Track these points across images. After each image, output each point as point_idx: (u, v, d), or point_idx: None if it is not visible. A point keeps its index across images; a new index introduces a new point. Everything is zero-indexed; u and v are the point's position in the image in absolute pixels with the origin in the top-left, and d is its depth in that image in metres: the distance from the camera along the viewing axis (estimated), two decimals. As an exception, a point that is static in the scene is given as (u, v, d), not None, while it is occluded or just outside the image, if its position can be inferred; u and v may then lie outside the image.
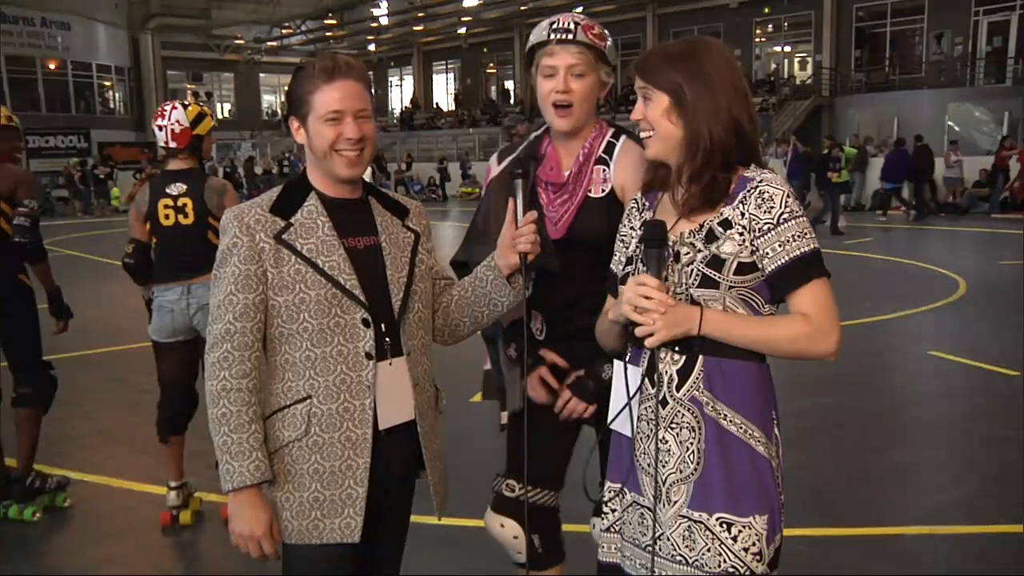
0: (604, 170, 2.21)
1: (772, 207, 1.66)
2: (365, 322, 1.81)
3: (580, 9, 28.49)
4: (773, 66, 27.84)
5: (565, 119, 2.15)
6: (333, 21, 35.41)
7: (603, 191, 2.20)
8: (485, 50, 34.04)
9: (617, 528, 1.85)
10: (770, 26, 27.68)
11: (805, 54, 27.18)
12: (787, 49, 28.01)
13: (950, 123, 20.48)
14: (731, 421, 1.69)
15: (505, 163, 2.34)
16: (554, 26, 2.12)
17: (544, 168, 2.22)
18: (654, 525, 1.74)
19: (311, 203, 1.84)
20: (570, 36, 2.09)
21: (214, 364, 1.76)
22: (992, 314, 8.13)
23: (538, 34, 2.16)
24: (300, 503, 1.81)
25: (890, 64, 24.65)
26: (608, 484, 1.88)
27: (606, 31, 2.18)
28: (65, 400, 4.06)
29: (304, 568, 1.85)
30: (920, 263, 11.37)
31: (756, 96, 24.75)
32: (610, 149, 2.23)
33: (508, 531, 2.31)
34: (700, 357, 1.69)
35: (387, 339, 1.85)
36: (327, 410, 1.79)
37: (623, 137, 2.24)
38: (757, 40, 27.89)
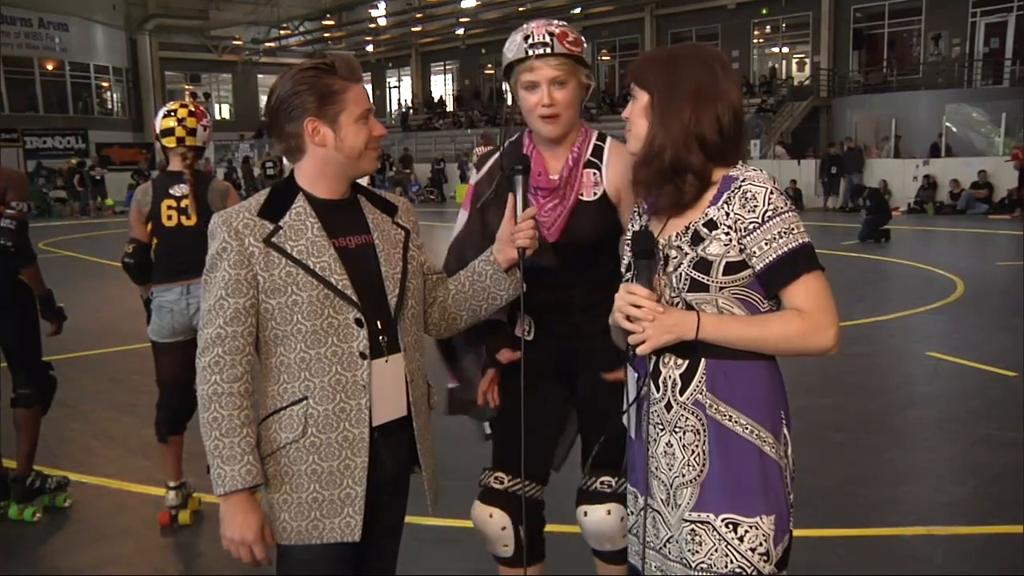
0: (595, 173, 2.21)
1: (756, 205, 1.66)
2: (358, 322, 1.81)
3: (578, 10, 28.55)
4: (771, 67, 27.85)
5: (553, 126, 2.15)
6: (331, 22, 35.37)
7: (595, 194, 2.20)
8: (483, 51, 33.96)
9: (634, 532, 1.87)
10: (768, 27, 27.68)
11: (803, 55, 27.19)
12: (785, 50, 28.02)
13: (947, 124, 20.50)
14: (736, 422, 1.69)
15: (488, 165, 2.32)
16: (530, 41, 2.10)
17: (532, 173, 2.19)
18: (664, 527, 1.76)
19: (299, 205, 1.83)
20: (548, 50, 2.08)
21: (205, 368, 1.76)
22: (990, 315, 8.14)
23: (515, 50, 2.13)
24: (299, 504, 1.81)
25: (888, 65, 24.66)
26: (628, 487, 1.90)
27: (580, 36, 2.16)
28: (63, 401, 4.06)
29: (303, 569, 1.85)
30: (918, 264, 11.38)
31: (754, 97, 24.78)
32: (598, 152, 2.23)
33: (496, 522, 2.30)
34: (703, 360, 1.69)
35: (382, 336, 1.85)
36: (323, 411, 1.80)
37: (608, 139, 2.25)
38: (755, 41, 27.89)
